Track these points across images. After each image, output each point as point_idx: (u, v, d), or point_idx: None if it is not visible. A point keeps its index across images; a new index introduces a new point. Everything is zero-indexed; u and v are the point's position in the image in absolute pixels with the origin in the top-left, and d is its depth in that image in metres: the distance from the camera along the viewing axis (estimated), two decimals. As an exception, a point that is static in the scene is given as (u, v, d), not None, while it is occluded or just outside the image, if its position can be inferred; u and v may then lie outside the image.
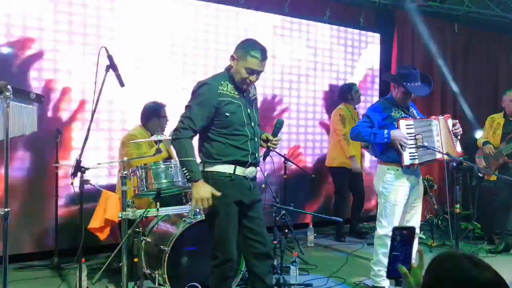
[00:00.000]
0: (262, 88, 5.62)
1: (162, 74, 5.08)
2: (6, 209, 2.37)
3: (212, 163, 2.83)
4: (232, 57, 2.84)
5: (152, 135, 3.95)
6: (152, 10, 5.04)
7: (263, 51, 2.80)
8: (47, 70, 4.55)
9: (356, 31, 6.61)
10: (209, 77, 2.91)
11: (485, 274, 1.25)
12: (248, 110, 2.90)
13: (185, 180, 3.47)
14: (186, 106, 2.82)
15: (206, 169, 2.84)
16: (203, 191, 2.72)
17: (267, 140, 3.01)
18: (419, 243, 5.31)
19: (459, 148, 3.70)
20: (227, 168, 2.81)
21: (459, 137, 3.70)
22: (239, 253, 3.12)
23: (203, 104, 2.76)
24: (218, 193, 2.74)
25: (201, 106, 2.76)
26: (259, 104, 3.17)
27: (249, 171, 2.88)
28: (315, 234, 5.44)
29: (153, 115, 4.22)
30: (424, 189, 5.83)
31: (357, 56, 6.61)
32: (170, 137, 4.17)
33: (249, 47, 2.80)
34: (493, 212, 5.44)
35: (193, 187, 2.75)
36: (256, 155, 2.92)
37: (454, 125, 3.68)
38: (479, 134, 6.23)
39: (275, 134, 3.00)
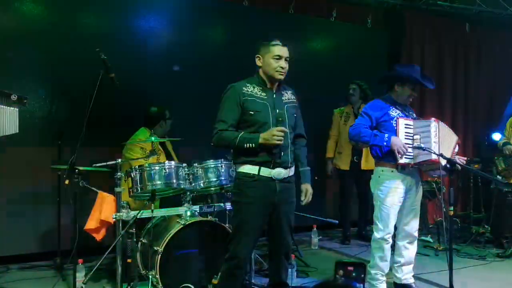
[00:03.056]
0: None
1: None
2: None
3: (240, 163, 2.94)
4: (258, 57, 3.00)
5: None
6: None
7: (279, 40, 3.00)
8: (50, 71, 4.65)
9: (363, 31, 6.52)
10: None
11: None
12: (277, 110, 2.96)
13: (180, 182, 3.54)
14: (218, 112, 2.95)
15: (237, 170, 2.97)
16: (266, 133, 2.81)
17: None
18: (426, 247, 5.22)
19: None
20: (252, 169, 2.90)
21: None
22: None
23: (229, 104, 2.92)
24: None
25: (227, 106, 2.92)
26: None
27: (276, 172, 2.92)
28: (320, 237, 5.38)
29: (160, 118, 4.35)
30: (433, 192, 5.77)
31: (365, 56, 6.50)
32: (168, 139, 4.27)
33: (268, 42, 3.00)
34: (503, 216, 5.32)
35: (261, 140, 2.81)
36: (282, 155, 2.92)
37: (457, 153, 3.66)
38: (497, 136, 6.06)
39: None
